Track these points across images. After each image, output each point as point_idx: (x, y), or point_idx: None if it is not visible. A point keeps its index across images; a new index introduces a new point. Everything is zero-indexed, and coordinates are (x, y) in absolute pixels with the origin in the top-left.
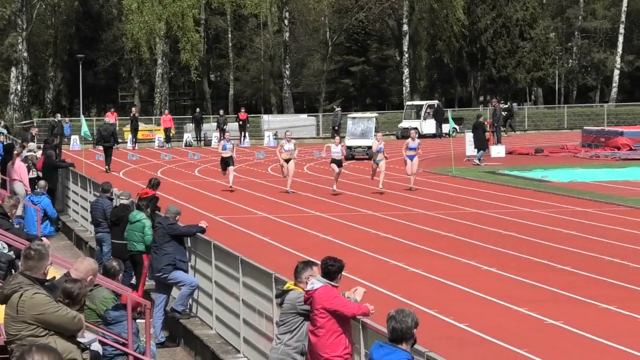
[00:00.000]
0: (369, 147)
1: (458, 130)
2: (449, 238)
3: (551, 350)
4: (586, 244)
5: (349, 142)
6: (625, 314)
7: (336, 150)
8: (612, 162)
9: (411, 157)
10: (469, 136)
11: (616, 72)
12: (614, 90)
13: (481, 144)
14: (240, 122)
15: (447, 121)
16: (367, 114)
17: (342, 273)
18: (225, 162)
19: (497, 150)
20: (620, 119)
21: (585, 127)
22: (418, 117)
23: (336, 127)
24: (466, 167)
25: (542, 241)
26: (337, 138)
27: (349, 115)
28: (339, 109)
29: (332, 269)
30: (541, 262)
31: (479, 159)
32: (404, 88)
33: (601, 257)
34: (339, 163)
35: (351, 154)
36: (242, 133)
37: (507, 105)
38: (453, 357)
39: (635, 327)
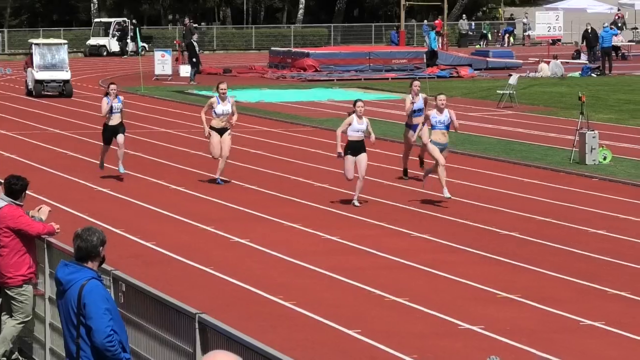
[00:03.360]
0: (66, 82)
1: (147, 48)
2: (138, 157)
3: (236, 267)
4: (274, 164)
5: (40, 74)
6: (309, 232)
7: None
8: (298, 83)
9: None
10: (157, 55)
11: None
12: (301, 11)
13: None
14: None
15: (135, 39)
16: (57, 40)
17: (27, 192)
18: None
19: (186, 70)
20: (306, 41)
21: (272, 48)
22: (106, 34)
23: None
24: (155, 86)
25: (229, 161)
26: None
27: (32, 41)
28: None
29: (15, 188)
30: (231, 181)
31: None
32: (91, 4)
33: (287, 177)
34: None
35: (42, 90)
36: None
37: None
38: (140, 276)
39: (318, 244)
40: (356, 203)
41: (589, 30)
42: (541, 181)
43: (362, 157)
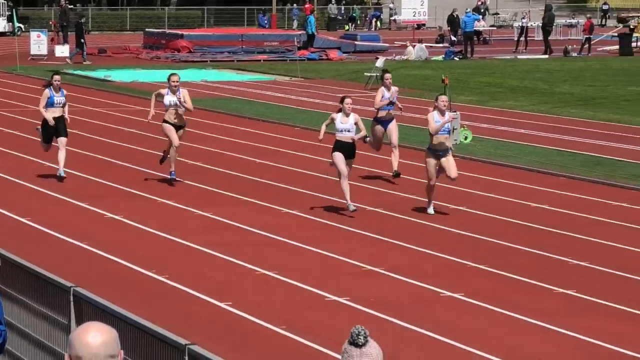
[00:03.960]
0: None
1: (23, 29)
2: (13, 135)
3: (110, 242)
4: (147, 142)
5: None
6: (182, 208)
7: None
8: (172, 64)
9: None
10: (33, 35)
11: None
12: None
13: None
14: None
15: (12, 20)
16: None
17: None
18: None
19: (62, 50)
20: (180, 23)
21: (147, 30)
22: None
23: None
24: (31, 65)
25: (107, 140)
26: None
27: None
28: None
29: None
30: (104, 159)
31: (71, 58)
32: None
33: (160, 154)
34: None
35: None
36: None
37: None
38: (15, 250)
39: (192, 220)
40: (351, 207)
41: (455, 16)
42: (405, 160)
43: (350, 162)
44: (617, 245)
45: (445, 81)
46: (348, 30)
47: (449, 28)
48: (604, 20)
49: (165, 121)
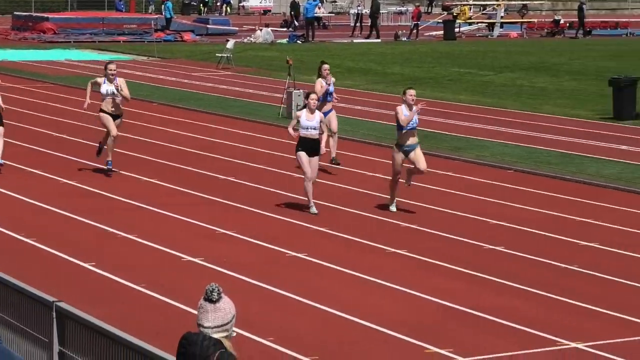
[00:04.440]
0: None
1: None
2: None
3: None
4: (15, 116)
5: None
6: (48, 177)
7: None
8: (38, 44)
9: None
10: None
11: None
12: None
13: None
14: None
15: None
16: None
17: None
18: None
19: None
20: (45, 7)
21: (15, 13)
22: None
23: None
24: None
25: None
26: None
27: None
28: None
29: None
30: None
31: None
32: None
33: (28, 128)
34: None
35: None
36: None
37: None
38: None
39: (58, 188)
40: (313, 209)
41: (297, 2)
42: (256, 133)
43: (315, 160)
44: (443, 210)
45: (289, 62)
46: (201, 14)
47: (292, 13)
48: (430, 8)
49: (102, 110)
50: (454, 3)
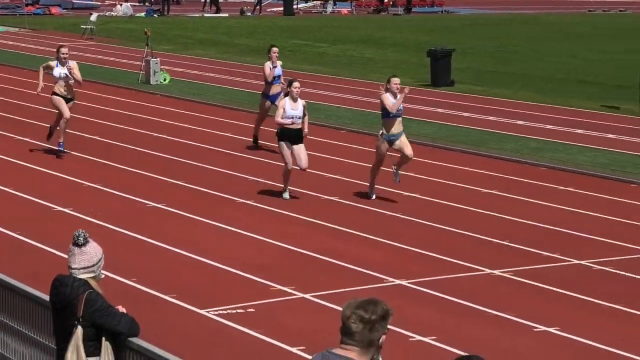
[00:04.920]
0: None
1: None
2: None
3: None
4: None
5: None
6: None
7: None
8: None
9: None
10: None
11: None
12: None
13: None
14: None
15: None
16: None
17: None
18: None
19: None
20: None
21: None
22: None
23: None
24: None
25: None
26: None
27: None
28: None
29: None
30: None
31: None
32: None
33: None
34: None
35: None
36: None
37: None
38: None
39: None
40: (286, 195)
41: None
42: (119, 97)
43: (300, 148)
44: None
45: (148, 33)
46: None
47: None
48: None
49: (54, 93)
50: None
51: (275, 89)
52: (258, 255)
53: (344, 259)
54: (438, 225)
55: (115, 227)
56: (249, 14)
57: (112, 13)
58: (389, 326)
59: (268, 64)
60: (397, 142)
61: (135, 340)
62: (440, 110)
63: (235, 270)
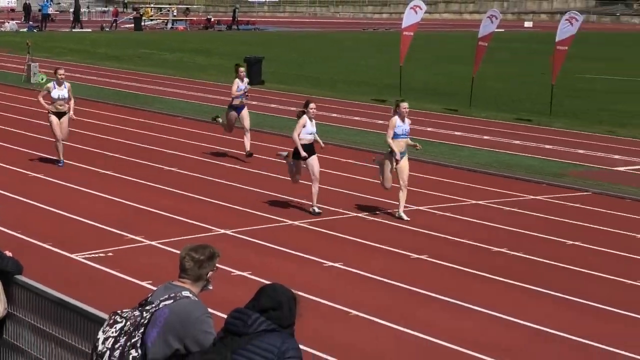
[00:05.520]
0: None
1: None
2: None
3: None
4: None
5: None
6: None
7: None
8: None
9: None
10: None
11: None
12: None
13: None
14: None
15: None
16: None
17: None
18: None
19: None
20: None
21: None
22: None
23: None
24: None
25: None
26: None
27: None
28: None
29: None
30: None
31: None
32: None
33: None
34: None
35: None
36: None
37: None
38: None
39: None
40: (316, 209)
41: (29, 4)
42: (5, 92)
43: (314, 159)
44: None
45: (29, 44)
46: None
47: (23, 11)
48: (125, 8)
49: (50, 112)
50: (140, 5)
51: (238, 101)
52: (111, 210)
53: (183, 214)
54: (249, 188)
55: (6, 193)
56: (107, 29)
57: (2, 29)
58: (217, 265)
59: (237, 81)
60: (400, 163)
61: (20, 277)
62: (254, 102)
63: (97, 224)
